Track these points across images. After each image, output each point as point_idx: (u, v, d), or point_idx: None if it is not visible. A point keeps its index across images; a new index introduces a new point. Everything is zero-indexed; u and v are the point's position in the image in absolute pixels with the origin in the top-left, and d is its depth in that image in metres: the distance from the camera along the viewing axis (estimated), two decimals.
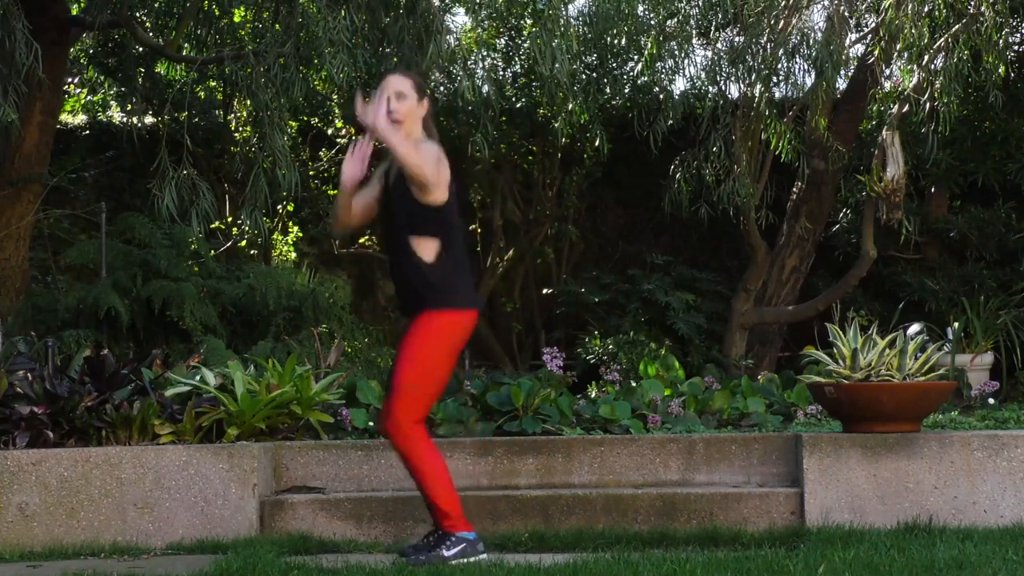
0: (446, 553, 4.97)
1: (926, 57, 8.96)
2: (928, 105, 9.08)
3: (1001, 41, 9.09)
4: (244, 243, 10.90)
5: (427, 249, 5.04)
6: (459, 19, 11.11)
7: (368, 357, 9.25)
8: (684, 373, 8.29)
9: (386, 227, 5.26)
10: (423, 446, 5.03)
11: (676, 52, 9.73)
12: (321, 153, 11.84)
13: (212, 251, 9.76)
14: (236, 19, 10.38)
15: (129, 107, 11.81)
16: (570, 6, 9.97)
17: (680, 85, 10.46)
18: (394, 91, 5.14)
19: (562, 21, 9.21)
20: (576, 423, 6.77)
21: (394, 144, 4.94)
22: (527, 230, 11.59)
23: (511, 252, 11.61)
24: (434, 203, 5.04)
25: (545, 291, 11.53)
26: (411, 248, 5.04)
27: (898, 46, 9.03)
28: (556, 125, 10.13)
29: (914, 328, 7.66)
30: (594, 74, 10.58)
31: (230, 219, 11.07)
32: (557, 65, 8.47)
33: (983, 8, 8.79)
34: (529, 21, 10.49)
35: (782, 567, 4.62)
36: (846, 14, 9.34)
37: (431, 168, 5.00)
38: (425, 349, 5.01)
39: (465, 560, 4.95)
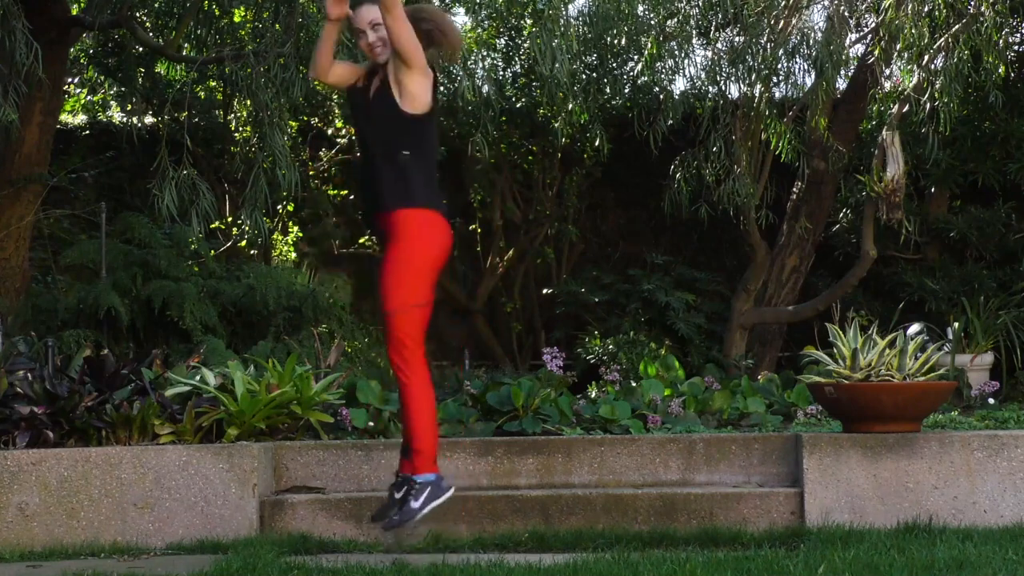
0: (415, 504, 4.92)
1: (926, 57, 8.96)
2: (928, 105, 9.08)
3: (1001, 41, 9.10)
4: (244, 243, 10.90)
5: (408, 152, 4.96)
6: (459, 19, 11.11)
7: (368, 357, 9.26)
8: (684, 373, 8.29)
9: (365, 134, 5.13)
10: (417, 377, 4.94)
11: (676, 52, 9.73)
12: (321, 153, 11.84)
13: (212, 251, 9.76)
14: (236, 19, 10.38)
15: (129, 107, 11.82)
16: (570, 6, 9.97)
17: (680, 85, 10.48)
18: (367, 22, 5.02)
19: (562, 21, 9.21)
20: (576, 423, 6.77)
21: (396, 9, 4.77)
22: (527, 230, 11.59)
23: (511, 252, 11.61)
24: (418, 109, 4.96)
25: (545, 291, 11.54)
26: (393, 148, 4.94)
27: (898, 46, 9.03)
28: (556, 125, 10.14)
29: (914, 328, 7.66)
30: (594, 74, 10.58)
31: (230, 219, 11.07)
32: (557, 65, 8.48)
33: (983, 8, 8.78)
34: (529, 21, 10.49)
35: (782, 567, 4.62)
36: (846, 14, 9.34)
37: (421, 55, 4.92)
38: (414, 255, 4.90)
39: (435, 503, 4.91)
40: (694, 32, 9.74)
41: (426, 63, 4.98)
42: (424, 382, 4.97)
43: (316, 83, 10.29)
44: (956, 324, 8.57)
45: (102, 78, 11.69)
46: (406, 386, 4.96)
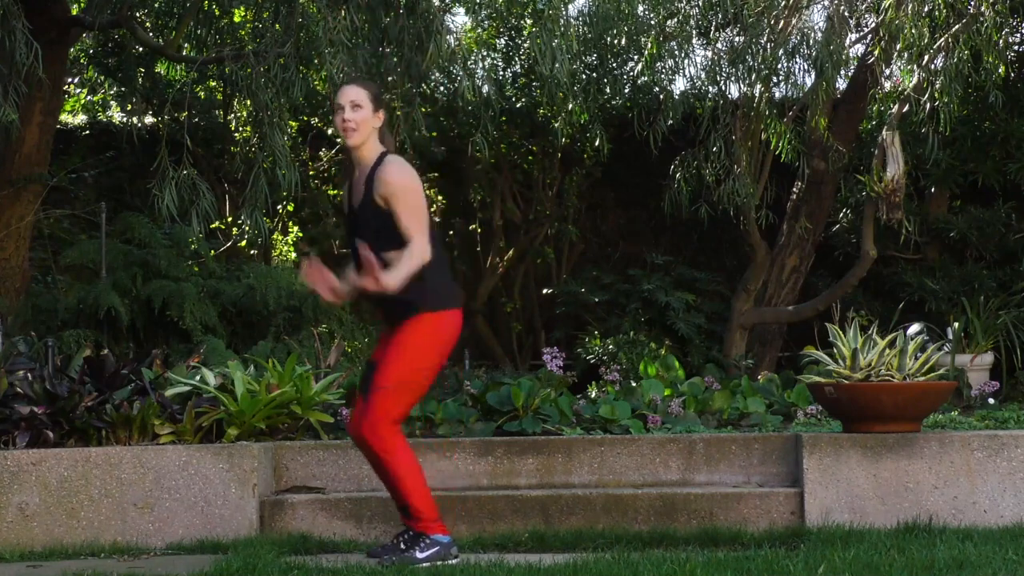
0: (419, 555, 4.93)
1: (926, 57, 8.96)
2: (928, 105, 9.07)
3: (1001, 41, 9.09)
4: (244, 243, 10.89)
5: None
6: (459, 19, 11.14)
7: (368, 357, 9.24)
8: (684, 373, 8.28)
9: (354, 244, 5.12)
10: (400, 447, 4.98)
11: (676, 52, 9.73)
12: (321, 153, 11.84)
13: (212, 251, 9.75)
14: (236, 19, 10.39)
15: (129, 107, 11.82)
16: (570, 6, 9.98)
17: (680, 85, 10.48)
18: (348, 100, 5.06)
19: (562, 21, 9.21)
20: (576, 423, 6.77)
21: (398, 282, 4.84)
22: (527, 230, 11.59)
23: (511, 252, 11.61)
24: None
25: (545, 291, 11.53)
26: (387, 262, 4.93)
27: (898, 46, 9.02)
28: (556, 125, 10.13)
29: (914, 328, 7.67)
30: (594, 74, 10.59)
31: (230, 219, 11.07)
32: (557, 65, 8.47)
33: (983, 8, 8.78)
34: (529, 21, 10.50)
35: (782, 567, 4.62)
36: (846, 14, 9.34)
37: (416, 220, 4.93)
38: (416, 351, 4.96)
39: (438, 563, 4.91)
40: (694, 32, 9.74)
41: (420, 201, 4.99)
42: (402, 451, 4.98)
43: (316, 84, 10.35)
44: (956, 324, 8.56)
45: (102, 78, 11.69)
46: (382, 461, 4.97)
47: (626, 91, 10.91)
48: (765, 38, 9.36)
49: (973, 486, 5.68)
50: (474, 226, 11.84)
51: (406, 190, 4.96)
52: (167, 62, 10.67)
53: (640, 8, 9.95)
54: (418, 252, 4.91)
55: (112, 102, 12.15)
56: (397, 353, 4.98)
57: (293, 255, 11.64)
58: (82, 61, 11.61)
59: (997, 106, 9.34)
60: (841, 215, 10.82)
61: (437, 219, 11.37)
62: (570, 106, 9.60)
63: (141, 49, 10.63)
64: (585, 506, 5.74)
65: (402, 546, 4.99)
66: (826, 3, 9.75)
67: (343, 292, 5.07)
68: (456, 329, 5.07)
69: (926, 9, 8.87)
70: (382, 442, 4.95)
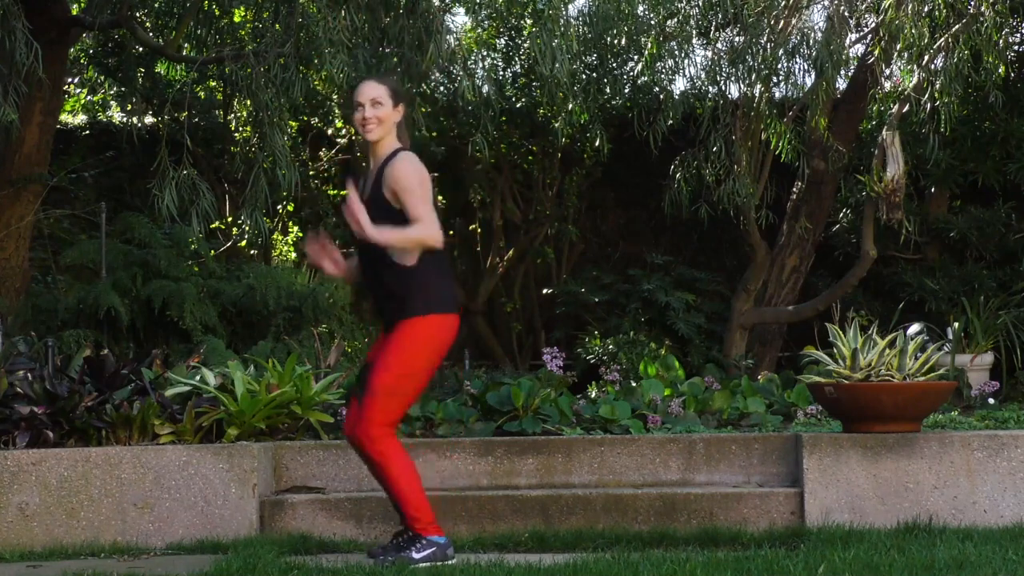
0: (416, 555, 4.93)
1: (926, 57, 8.96)
2: (928, 105, 9.08)
3: (1001, 41, 9.09)
4: (244, 243, 10.90)
5: (407, 256, 5.00)
6: (459, 19, 11.14)
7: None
8: (684, 373, 8.28)
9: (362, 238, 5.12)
10: (394, 450, 4.98)
11: (676, 52, 9.73)
12: (321, 153, 11.84)
13: (212, 251, 9.76)
14: (236, 19, 10.38)
15: (129, 107, 11.82)
16: (570, 6, 9.97)
17: (680, 85, 10.48)
18: (369, 98, 5.07)
19: (562, 21, 9.21)
20: (576, 423, 6.77)
21: (384, 238, 4.89)
22: (527, 230, 11.59)
23: (511, 252, 11.61)
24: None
25: (545, 291, 11.53)
26: (390, 258, 4.98)
27: (898, 46, 9.02)
28: (556, 125, 10.13)
29: (914, 328, 7.66)
30: (594, 74, 10.58)
31: (230, 219, 11.07)
32: (557, 65, 8.47)
33: (983, 8, 8.78)
34: (529, 21, 10.49)
35: (782, 567, 4.62)
36: (846, 14, 9.33)
37: (426, 208, 4.96)
38: (410, 354, 4.96)
39: (435, 564, 4.91)
40: (694, 32, 9.74)
41: (425, 191, 5.00)
42: (396, 453, 4.99)
43: (316, 84, 10.35)
44: (956, 324, 8.56)
45: (102, 78, 11.69)
46: (377, 464, 4.98)
47: (626, 91, 10.90)
48: (765, 38, 9.36)
49: (973, 486, 5.68)
50: (474, 226, 11.84)
51: (417, 184, 4.98)
52: (167, 62, 10.67)
53: (640, 8, 9.95)
54: (425, 230, 4.92)
55: (112, 102, 12.15)
56: (391, 357, 4.98)
57: (293, 255, 11.64)
58: (82, 61, 11.61)
59: (997, 106, 9.34)
60: (841, 215, 10.82)
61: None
62: (570, 106, 9.60)
63: (141, 49, 10.63)
64: (585, 506, 5.74)
65: (400, 546, 5.00)
66: (826, 3, 9.75)
67: (344, 266, 5.16)
68: (451, 334, 5.06)
69: (926, 9, 8.87)
70: (376, 444, 4.96)
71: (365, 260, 5.15)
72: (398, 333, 5.00)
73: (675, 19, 9.75)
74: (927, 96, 9.03)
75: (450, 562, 4.93)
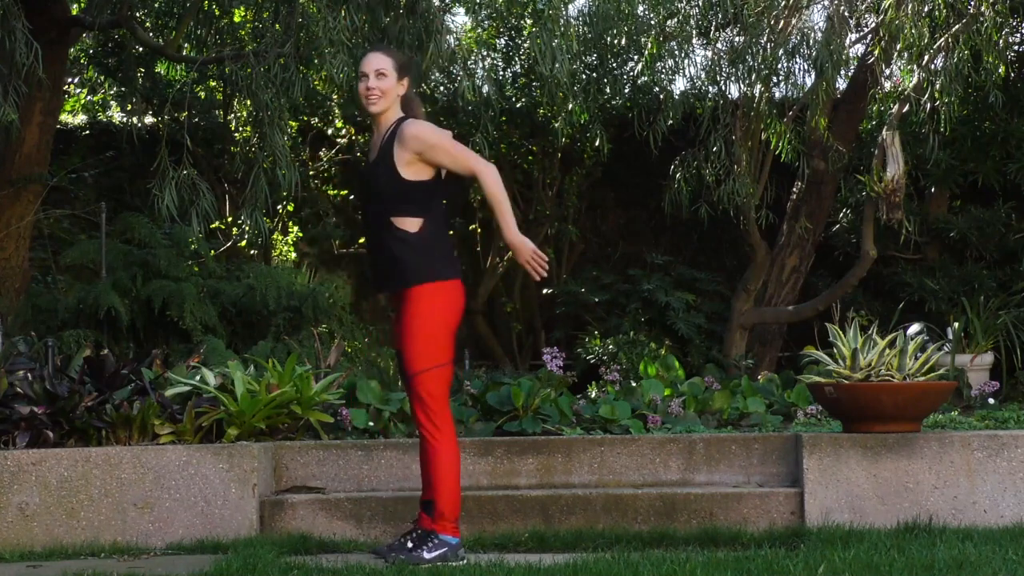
0: (427, 555, 4.93)
1: (926, 57, 8.96)
2: (928, 105, 9.07)
3: (1001, 41, 9.09)
4: (244, 243, 10.90)
5: (410, 223, 5.02)
6: (459, 19, 11.14)
7: (368, 357, 9.25)
8: (684, 373, 8.28)
9: (367, 202, 5.19)
10: (447, 436, 4.98)
11: (676, 52, 9.73)
12: (321, 153, 11.84)
13: (212, 251, 9.76)
14: (236, 19, 10.39)
15: (129, 107, 11.81)
16: (570, 6, 9.98)
17: (680, 85, 10.48)
18: (373, 69, 5.08)
19: (562, 21, 9.21)
20: (576, 423, 6.77)
21: (508, 211, 5.13)
22: (527, 230, 11.56)
23: (511, 252, 11.59)
24: (421, 176, 5.02)
25: (545, 291, 11.53)
26: (394, 225, 5.00)
27: (898, 46, 9.02)
28: (556, 125, 10.13)
29: (914, 328, 7.66)
30: (594, 74, 10.58)
31: (230, 219, 11.07)
32: (557, 65, 8.47)
33: (983, 8, 8.78)
34: (529, 21, 10.49)
35: (782, 567, 4.62)
36: (846, 14, 9.33)
37: (464, 154, 5.06)
38: (421, 321, 4.97)
39: (445, 563, 4.90)
40: (694, 32, 9.73)
41: (465, 149, 5.09)
42: (451, 443, 5.01)
43: (316, 84, 10.35)
44: (956, 324, 8.56)
45: (102, 78, 11.69)
46: (432, 447, 4.99)
47: (626, 91, 10.90)
48: (765, 38, 9.36)
49: (973, 486, 5.68)
50: (474, 226, 11.84)
51: (439, 137, 5.03)
52: (167, 62, 10.67)
53: (640, 8, 9.95)
54: (489, 174, 5.01)
55: (112, 102, 12.15)
56: (408, 334, 4.99)
57: (293, 255, 11.64)
58: (82, 61, 11.61)
59: (997, 106, 9.34)
60: (841, 215, 10.82)
61: None
62: (570, 106, 9.60)
63: (141, 49, 10.63)
64: (585, 506, 5.74)
65: (409, 544, 4.99)
66: (826, 3, 9.75)
67: None
68: (459, 295, 5.07)
69: (926, 9, 8.87)
70: (429, 422, 4.96)
71: (369, 227, 5.15)
72: (407, 309, 5.01)
73: (675, 19, 9.75)
74: (927, 96, 9.02)
75: (461, 563, 4.92)
